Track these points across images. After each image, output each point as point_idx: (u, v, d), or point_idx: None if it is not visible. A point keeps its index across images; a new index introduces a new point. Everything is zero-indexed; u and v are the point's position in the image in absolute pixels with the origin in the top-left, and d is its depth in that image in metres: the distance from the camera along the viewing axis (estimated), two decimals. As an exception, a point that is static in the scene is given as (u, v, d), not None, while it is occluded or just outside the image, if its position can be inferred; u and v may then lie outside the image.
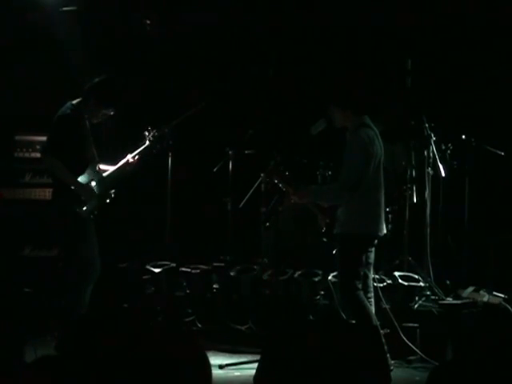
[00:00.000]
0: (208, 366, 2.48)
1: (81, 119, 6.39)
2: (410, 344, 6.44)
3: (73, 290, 6.30)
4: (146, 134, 6.79)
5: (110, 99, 6.42)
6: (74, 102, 6.40)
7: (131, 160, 6.60)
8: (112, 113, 6.46)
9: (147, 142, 6.74)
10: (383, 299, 6.51)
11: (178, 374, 2.41)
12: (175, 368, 2.41)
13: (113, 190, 6.44)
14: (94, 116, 6.44)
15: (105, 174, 6.50)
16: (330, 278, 7.19)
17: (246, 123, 8.20)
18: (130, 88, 8.50)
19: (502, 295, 7.01)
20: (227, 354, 6.79)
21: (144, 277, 7.72)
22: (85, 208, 6.27)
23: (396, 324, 6.42)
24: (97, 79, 6.43)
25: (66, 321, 6.21)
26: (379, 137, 5.98)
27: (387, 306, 6.49)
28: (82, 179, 6.35)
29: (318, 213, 6.11)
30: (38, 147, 7.86)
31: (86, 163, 6.39)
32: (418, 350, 6.45)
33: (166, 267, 7.75)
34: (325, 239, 6.10)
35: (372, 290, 6.07)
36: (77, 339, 2.85)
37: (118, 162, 6.58)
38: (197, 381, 2.43)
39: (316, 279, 7.37)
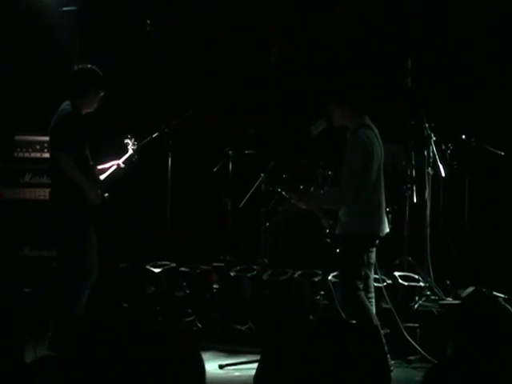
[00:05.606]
0: (202, 366, 2.48)
1: (82, 118, 6.42)
2: (412, 342, 6.44)
3: (70, 291, 6.29)
4: (127, 142, 6.85)
5: (103, 81, 6.48)
6: (69, 101, 6.41)
7: (122, 165, 6.68)
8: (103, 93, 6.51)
9: (130, 151, 6.81)
10: (388, 300, 6.51)
11: (173, 373, 2.41)
12: (170, 367, 2.41)
13: (106, 194, 6.48)
14: (94, 104, 6.49)
15: (101, 178, 6.54)
16: (330, 278, 7.18)
17: (245, 123, 8.19)
18: (129, 87, 8.52)
19: (502, 295, 7.00)
20: (227, 354, 6.79)
21: (144, 277, 7.72)
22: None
23: (400, 323, 6.42)
24: (76, 72, 6.45)
25: (60, 321, 6.21)
26: (379, 137, 5.97)
27: (389, 306, 6.49)
28: None
29: (321, 214, 6.10)
30: (37, 147, 7.86)
31: (88, 163, 6.41)
32: (419, 348, 6.45)
33: (165, 267, 7.75)
34: (328, 240, 6.09)
35: (373, 290, 6.07)
36: (75, 340, 2.85)
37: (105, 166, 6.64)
38: (191, 380, 2.43)
39: (316, 279, 7.36)
